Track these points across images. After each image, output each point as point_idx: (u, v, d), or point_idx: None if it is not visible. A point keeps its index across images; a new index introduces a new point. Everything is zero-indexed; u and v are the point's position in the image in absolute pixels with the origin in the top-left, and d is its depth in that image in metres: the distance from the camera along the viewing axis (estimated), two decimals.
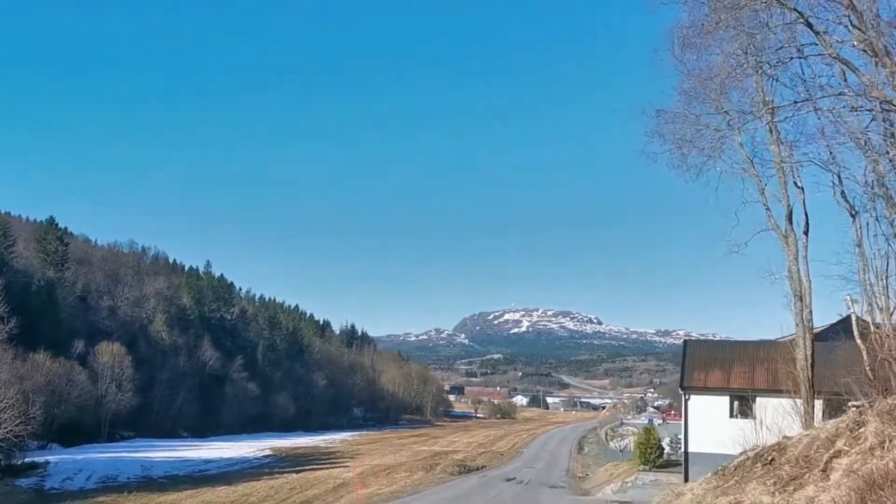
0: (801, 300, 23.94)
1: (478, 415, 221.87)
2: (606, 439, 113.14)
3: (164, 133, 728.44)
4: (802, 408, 23.39)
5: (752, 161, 25.00)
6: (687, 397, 31.71)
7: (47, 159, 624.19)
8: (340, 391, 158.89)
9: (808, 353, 24.03)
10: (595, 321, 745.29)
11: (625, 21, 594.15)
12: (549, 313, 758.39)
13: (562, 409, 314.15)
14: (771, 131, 23.47)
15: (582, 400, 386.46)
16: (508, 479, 53.47)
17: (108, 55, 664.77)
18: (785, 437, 21.12)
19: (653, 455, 45.32)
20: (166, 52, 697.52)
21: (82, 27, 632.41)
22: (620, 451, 69.10)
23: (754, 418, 30.17)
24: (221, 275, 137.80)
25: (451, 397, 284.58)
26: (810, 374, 23.68)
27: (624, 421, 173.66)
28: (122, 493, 50.74)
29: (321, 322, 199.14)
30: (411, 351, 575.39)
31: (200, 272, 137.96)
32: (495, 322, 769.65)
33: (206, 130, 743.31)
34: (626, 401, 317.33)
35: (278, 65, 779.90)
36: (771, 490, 18.50)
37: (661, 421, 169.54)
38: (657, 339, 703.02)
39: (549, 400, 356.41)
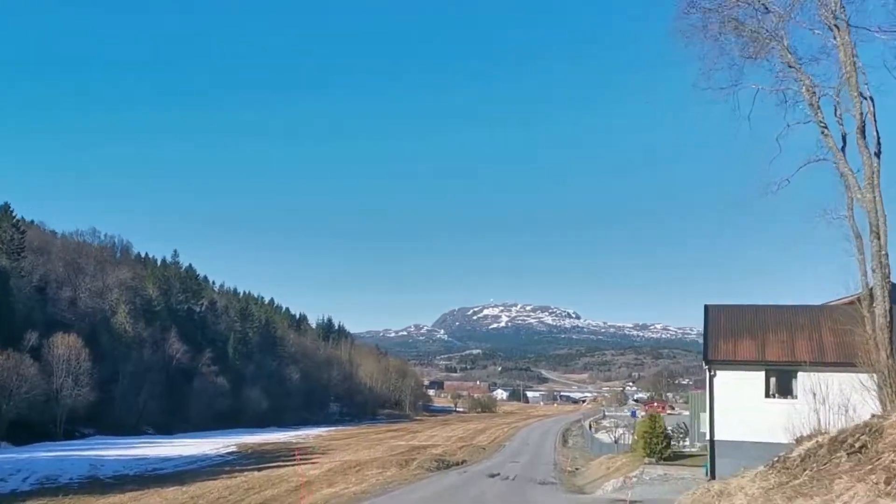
0: (878, 237, 18.15)
1: (458, 409, 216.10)
2: (592, 431, 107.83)
3: (131, 121, 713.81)
4: (880, 381, 17.63)
5: (799, 65, 19.24)
6: (712, 373, 25.44)
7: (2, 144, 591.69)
8: (316, 386, 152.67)
9: (887, 307, 18.24)
10: (573, 315, 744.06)
11: None
12: (528, 308, 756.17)
13: (542, 403, 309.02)
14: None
15: (562, 394, 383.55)
16: (492, 475, 47.66)
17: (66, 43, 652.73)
18: (876, 416, 15.39)
19: (659, 446, 38.88)
20: (126, 41, 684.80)
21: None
22: (616, 442, 63.18)
23: (795, 397, 24.47)
24: (190, 265, 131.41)
25: (431, 392, 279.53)
26: (888, 336, 17.90)
27: (606, 413, 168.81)
28: (57, 495, 44.64)
29: (297, 316, 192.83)
30: (391, 347, 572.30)
31: (168, 263, 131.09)
32: (474, 317, 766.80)
33: (176, 119, 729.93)
34: (606, 394, 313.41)
35: (251, 57, 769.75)
36: (884, 489, 12.66)
37: (643, 413, 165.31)
38: (635, 332, 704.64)
39: (529, 394, 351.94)
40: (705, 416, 55.49)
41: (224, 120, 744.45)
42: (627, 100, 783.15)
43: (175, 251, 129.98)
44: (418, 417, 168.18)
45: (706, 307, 27.59)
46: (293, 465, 58.54)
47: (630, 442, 52.48)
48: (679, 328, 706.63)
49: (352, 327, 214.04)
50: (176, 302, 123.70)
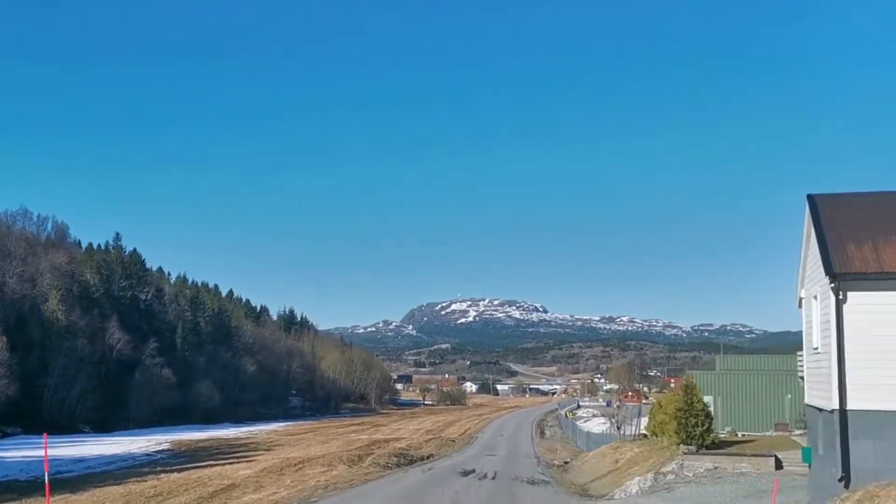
0: None
1: (426, 402, 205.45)
2: (571, 420, 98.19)
3: (75, 98, 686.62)
4: None
5: None
6: (840, 296, 14.71)
7: None
8: (276, 379, 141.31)
9: None
10: (541, 309, 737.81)
11: None
12: (496, 303, 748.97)
13: (511, 396, 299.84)
14: None
15: (531, 386, 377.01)
16: (466, 473, 37.34)
17: None
18: None
19: (699, 429, 26.85)
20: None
21: None
22: (618, 428, 52.53)
23: None
24: (134, 249, 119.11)
25: (399, 386, 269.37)
26: None
27: (581, 403, 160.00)
28: None
29: (258, 308, 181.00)
30: (359, 343, 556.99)
31: (111, 247, 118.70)
32: (443, 312, 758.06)
33: (124, 97, 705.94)
34: (576, 386, 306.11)
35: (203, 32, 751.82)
36: None
37: (619, 403, 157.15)
38: (602, 325, 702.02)
39: (499, 387, 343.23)
40: (714, 400, 45.89)
41: (162, 92, 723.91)
42: (587, 97, 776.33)
43: (117, 234, 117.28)
44: (384, 411, 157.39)
45: (810, 197, 16.85)
46: (226, 465, 47.82)
47: (640, 428, 42.07)
48: (644, 320, 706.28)
49: (320, 324, 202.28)
50: (118, 289, 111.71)
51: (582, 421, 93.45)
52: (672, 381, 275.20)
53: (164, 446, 67.76)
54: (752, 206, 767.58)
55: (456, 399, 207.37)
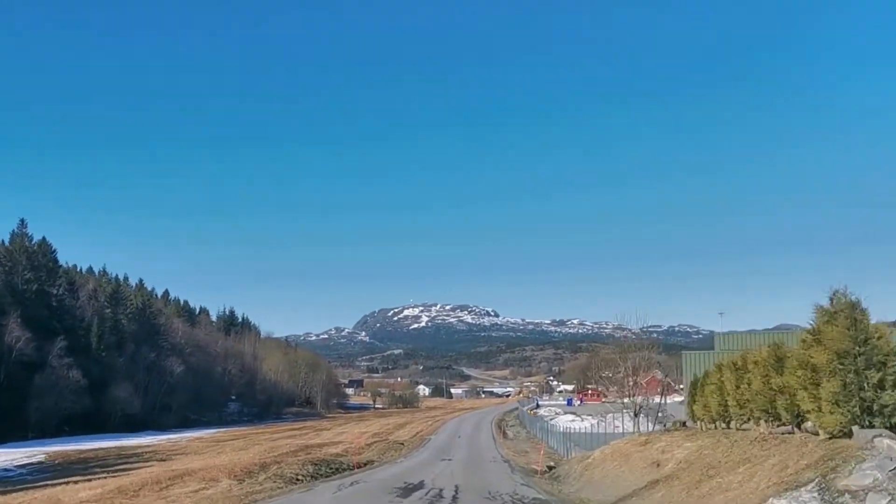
0: None
1: (376, 406, 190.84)
2: (536, 417, 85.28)
3: None
4: None
5: None
6: None
7: None
8: (210, 382, 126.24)
9: None
10: (492, 314, 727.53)
11: None
12: (448, 308, 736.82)
13: (466, 398, 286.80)
14: None
15: (485, 389, 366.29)
16: (408, 490, 24.06)
17: None
18: None
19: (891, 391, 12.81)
20: None
21: None
22: (634, 416, 38.82)
23: None
24: (43, 238, 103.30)
25: (350, 391, 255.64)
26: None
27: (540, 403, 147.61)
28: None
29: (197, 309, 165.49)
30: (312, 350, 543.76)
31: (14, 235, 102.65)
32: (395, 318, 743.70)
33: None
34: (531, 387, 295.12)
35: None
36: None
37: (579, 402, 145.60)
38: (553, 328, 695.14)
39: (452, 391, 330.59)
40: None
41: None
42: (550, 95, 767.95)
43: (22, 221, 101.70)
44: (331, 415, 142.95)
45: None
46: (81, 482, 33.81)
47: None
48: (595, 323, 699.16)
49: (273, 332, 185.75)
50: (22, 282, 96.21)
51: (548, 419, 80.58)
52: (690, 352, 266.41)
53: (38, 458, 53.26)
54: (696, 210, 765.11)
55: (408, 402, 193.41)
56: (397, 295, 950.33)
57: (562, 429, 61.70)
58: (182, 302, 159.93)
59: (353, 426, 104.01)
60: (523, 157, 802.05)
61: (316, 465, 31.71)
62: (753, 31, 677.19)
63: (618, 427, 62.51)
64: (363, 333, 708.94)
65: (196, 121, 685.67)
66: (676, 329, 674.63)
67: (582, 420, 77.65)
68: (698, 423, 22.56)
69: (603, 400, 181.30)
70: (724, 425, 19.78)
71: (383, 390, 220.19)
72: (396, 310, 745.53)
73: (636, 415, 31.50)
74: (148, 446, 66.09)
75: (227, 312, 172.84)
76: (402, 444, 60.79)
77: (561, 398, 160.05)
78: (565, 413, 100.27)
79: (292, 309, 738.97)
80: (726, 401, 18.99)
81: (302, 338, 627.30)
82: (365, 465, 37.53)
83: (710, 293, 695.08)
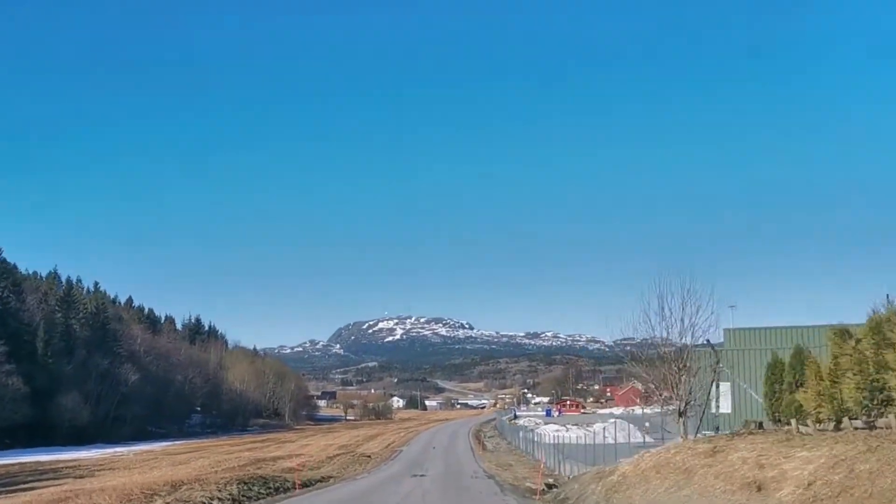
0: None
1: (348, 417, 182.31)
2: (519, 427, 78.13)
3: None
4: None
5: None
6: None
7: None
8: (171, 392, 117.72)
9: None
10: (467, 326, 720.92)
11: None
12: (422, 320, 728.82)
13: (440, 410, 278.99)
14: None
15: (459, 401, 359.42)
16: None
17: None
18: None
19: None
20: None
21: None
22: (686, 417, 31.32)
23: None
24: None
25: (322, 403, 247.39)
26: None
27: (518, 413, 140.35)
28: None
29: (162, 317, 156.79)
30: (287, 362, 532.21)
31: None
32: (370, 331, 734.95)
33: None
34: (507, 399, 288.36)
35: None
36: None
37: (557, 413, 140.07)
38: (527, 341, 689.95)
39: (427, 403, 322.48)
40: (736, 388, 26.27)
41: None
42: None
43: None
44: (300, 427, 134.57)
45: None
46: None
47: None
48: (569, 335, 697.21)
49: (241, 341, 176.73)
50: None
51: (530, 429, 73.22)
52: (609, 389, 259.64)
53: None
54: (666, 221, 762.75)
55: (381, 413, 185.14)
56: (372, 307, 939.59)
57: (550, 439, 54.45)
58: (147, 310, 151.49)
59: (319, 438, 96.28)
60: (497, 170, 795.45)
61: (246, 483, 24.31)
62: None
63: (610, 436, 55.50)
64: (338, 346, 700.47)
65: (172, 123, 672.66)
66: (650, 342, 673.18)
67: (567, 430, 70.43)
68: (792, 423, 15.52)
69: (582, 410, 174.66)
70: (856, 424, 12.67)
71: (356, 402, 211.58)
72: (371, 322, 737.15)
73: (680, 415, 24.11)
74: (80, 461, 57.91)
75: (193, 321, 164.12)
76: (369, 456, 53.34)
77: (539, 409, 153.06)
78: (546, 423, 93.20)
79: (267, 322, 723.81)
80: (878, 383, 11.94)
81: (276, 350, 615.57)
82: (318, 482, 30.15)
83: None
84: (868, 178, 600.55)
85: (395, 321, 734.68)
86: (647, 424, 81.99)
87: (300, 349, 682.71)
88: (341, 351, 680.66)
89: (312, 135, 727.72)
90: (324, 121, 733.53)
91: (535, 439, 55.71)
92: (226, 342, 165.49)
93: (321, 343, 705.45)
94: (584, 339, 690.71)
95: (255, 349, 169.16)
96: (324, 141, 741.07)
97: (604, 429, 56.68)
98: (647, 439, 59.18)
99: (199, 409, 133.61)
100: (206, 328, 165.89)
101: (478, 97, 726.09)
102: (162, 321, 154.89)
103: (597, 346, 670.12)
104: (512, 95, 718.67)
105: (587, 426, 70.31)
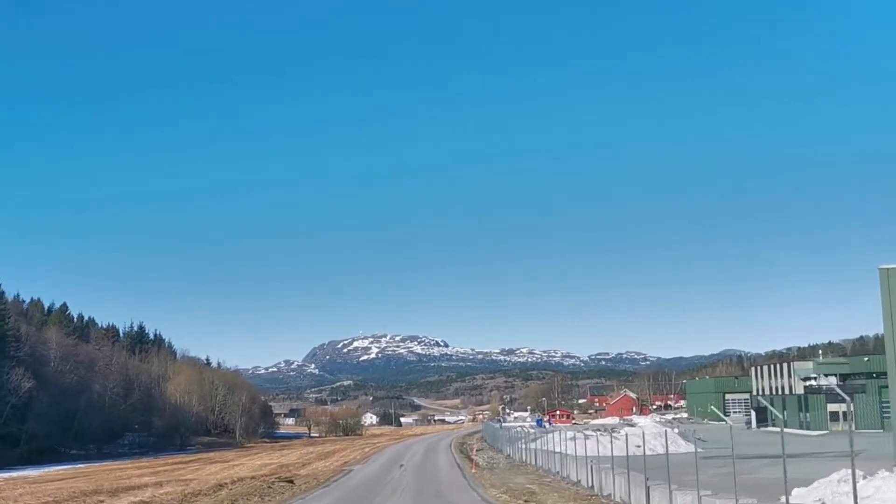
0: None
1: (312, 434, 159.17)
2: (514, 436, 56.48)
3: None
4: None
5: None
6: None
7: None
8: (92, 406, 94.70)
9: None
10: (442, 344, 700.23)
11: None
12: (398, 339, 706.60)
13: (416, 426, 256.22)
14: None
15: (436, 418, 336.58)
16: None
17: None
18: None
19: None
20: None
21: None
22: None
23: None
24: None
25: (291, 420, 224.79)
26: None
27: (504, 423, 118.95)
28: None
29: (103, 326, 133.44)
30: (261, 383, 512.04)
31: None
32: (345, 350, 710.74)
33: None
34: (486, 413, 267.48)
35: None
36: None
37: (548, 423, 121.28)
38: (502, 357, 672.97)
39: (403, 420, 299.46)
40: None
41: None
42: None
43: None
44: (251, 445, 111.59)
45: None
46: None
47: None
48: (544, 351, 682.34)
49: (189, 350, 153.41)
50: None
51: (530, 439, 51.61)
52: (597, 399, 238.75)
53: None
54: (642, 234, 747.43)
55: (350, 430, 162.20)
56: (347, 326, 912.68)
57: (580, 449, 33.24)
58: (79, 317, 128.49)
59: (264, 456, 74.73)
60: (469, 190, 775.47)
61: None
62: None
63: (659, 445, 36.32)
64: (312, 366, 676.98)
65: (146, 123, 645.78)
66: (625, 356, 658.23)
67: (586, 438, 49.02)
68: None
69: (573, 421, 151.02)
70: None
71: (324, 418, 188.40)
72: (346, 341, 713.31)
73: None
74: None
75: (136, 328, 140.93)
76: (292, 481, 31.97)
77: (529, 419, 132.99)
78: (549, 432, 71.63)
79: (241, 343, 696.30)
80: None
81: (251, 371, 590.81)
82: None
83: (655, 319, 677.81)
84: None
85: (371, 340, 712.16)
86: (675, 430, 62.18)
87: (275, 369, 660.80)
88: (316, 371, 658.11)
89: (290, 150, 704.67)
90: (310, 127, 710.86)
91: (551, 448, 34.46)
92: (174, 352, 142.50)
93: (296, 363, 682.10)
94: (559, 354, 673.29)
95: (207, 360, 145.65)
96: (301, 157, 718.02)
97: (642, 435, 35.79)
98: (696, 448, 39.26)
99: (136, 426, 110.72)
100: (152, 337, 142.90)
101: (445, 115, 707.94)
102: (100, 328, 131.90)
103: (572, 361, 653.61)
104: (470, 120, 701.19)
105: (613, 432, 49.04)
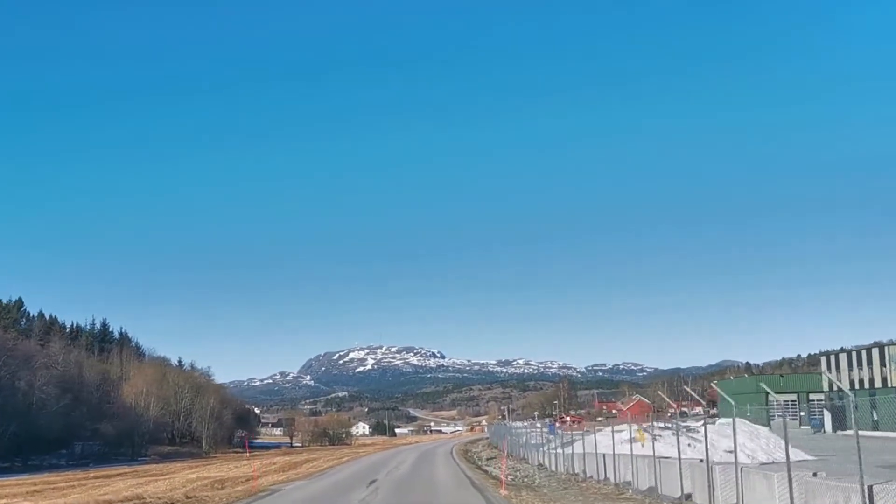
0: None
1: (293, 444, 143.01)
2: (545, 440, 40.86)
3: None
4: None
5: None
6: None
7: None
8: (32, 411, 78.84)
9: None
10: (438, 355, 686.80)
11: None
12: (393, 350, 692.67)
13: (411, 436, 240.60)
14: None
15: (433, 428, 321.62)
16: None
17: None
18: None
19: None
20: None
21: None
22: None
23: None
24: None
25: (278, 431, 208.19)
26: None
27: (513, 428, 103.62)
28: None
29: (65, 325, 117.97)
30: (256, 395, 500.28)
31: None
32: (340, 362, 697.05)
33: None
34: (484, 424, 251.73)
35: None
36: None
37: (559, 428, 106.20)
38: (499, 368, 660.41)
39: (397, 430, 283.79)
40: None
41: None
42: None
43: None
44: (218, 454, 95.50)
45: None
46: None
47: None
48: (540, 363, 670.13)
49: (157, 352, 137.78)
50: None
51: (566, 443, 36.10)
52: (605, 405, 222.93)
53: None
54: (639, 246, 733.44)
55: (337, 438, 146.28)
56: (342, 338, 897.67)
57: (693, 451, 18.10)
58: (50, 316, 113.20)
59: (221, 467, 59.14)
60: (464, 201, 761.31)
61: None
62: None
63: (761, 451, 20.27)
64: (308, 377, 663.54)
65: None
66: (621, 367, 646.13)
67: (654, 439, 33.93)
68: None
69: (585, 428, 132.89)
70: None
71: (310, 427, 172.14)
72: (342, 353, 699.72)
73: None
74: None
75: (98, 327, 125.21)
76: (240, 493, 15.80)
77: (538, 425, 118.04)
78: (586, 434, 56.06)
79: (237, 355, 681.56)
80: None
81: (246, 383, 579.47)
82: None
83: (652, 330, 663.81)
84: None
85: (366, 351, 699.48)
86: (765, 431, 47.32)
87: (270, 381, 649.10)
88: (311, 382, 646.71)
89: (286, 161, 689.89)
90: (307, 137, 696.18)
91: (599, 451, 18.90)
92: (141, 353, 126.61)
93: (291, 375, 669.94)
94: (556, 365, 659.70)
95: (180, 362, 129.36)
96: (297, 168, 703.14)
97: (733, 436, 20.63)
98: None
99: (88, 434, 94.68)
100: (117, 336, 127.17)
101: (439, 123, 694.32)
102: (61, 326, 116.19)
103: (569, 371, 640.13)
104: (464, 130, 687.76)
105: (689, 433, 34.51)
